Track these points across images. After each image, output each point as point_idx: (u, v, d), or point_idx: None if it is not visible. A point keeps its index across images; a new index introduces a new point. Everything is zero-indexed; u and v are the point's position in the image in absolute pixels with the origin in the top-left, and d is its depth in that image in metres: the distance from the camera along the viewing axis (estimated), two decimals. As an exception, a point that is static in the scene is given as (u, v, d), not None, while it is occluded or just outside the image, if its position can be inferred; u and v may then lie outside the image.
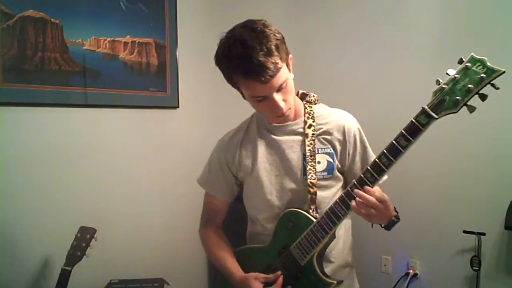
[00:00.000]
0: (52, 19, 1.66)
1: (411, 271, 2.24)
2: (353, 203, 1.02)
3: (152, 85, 2.06)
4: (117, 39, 1.91)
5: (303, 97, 1.29)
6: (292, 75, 1.15)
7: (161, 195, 2.11)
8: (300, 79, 2.29)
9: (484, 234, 1.97)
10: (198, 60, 2.27)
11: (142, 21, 2.00)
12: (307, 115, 1.23)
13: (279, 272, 1.19)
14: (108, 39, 1.87)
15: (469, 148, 2.04)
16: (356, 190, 1.02)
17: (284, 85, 1.10)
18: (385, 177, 1.03)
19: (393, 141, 0.97)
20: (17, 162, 1.59)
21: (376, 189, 1.04)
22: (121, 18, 1.92)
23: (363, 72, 2.37)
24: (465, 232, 2.00)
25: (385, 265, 2.35)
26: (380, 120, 2.05)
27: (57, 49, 1.69)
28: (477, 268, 1.96)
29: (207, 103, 2.38)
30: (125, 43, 1.94)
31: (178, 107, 2.18)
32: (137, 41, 1.98)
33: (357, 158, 1.24)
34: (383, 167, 0.99)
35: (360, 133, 1.26)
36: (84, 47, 1.78)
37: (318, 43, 2.52)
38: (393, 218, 1.12)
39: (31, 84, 1.61)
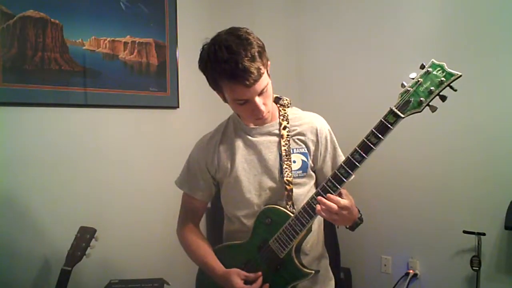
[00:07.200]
0: (52, 19, 1.67)
1: (411, 271, 2.24)
2: (317, 207, 1.09)
3: (152, 85, 2.06)
4: (117, 39, 1.91)
5: (276, 100, 1.34)
6: (270, 81, 1.19)
7: (161, 195, 2.11)
8: (298, 77, 2.30)
9: (484, 234, 1.97)
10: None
11: (142, 21, 2.00)
12: (281, 117, 1.29)
13: (259, 273, 1.23)
14: (108, 39, 1.88)
15: (469, 148, 2.04)
16: (319, 198, 1.09)
17: (265, 89, 1.16)
18: (352, 176, 1.09)
19: (364, 139, 1.04)
20: (17, 162, 1.59)
21: (343, 193, 1.11)
22: (121, 18, 1.92)
23: (361, 71, 2.37)
24: (465, 232, 2.00)
25: (385, 265, 2.35)
26: (377, 118, 2.05)
27: (57, 49, 1.69)
28: (477, 268, 1.97)
29: (207, 103, 2.36)
30: (125, 43, 1.94)
31: (178, 107, 2.18)
32: (137, 41, 1.99)
33: (328, 158, 1.31)
34: (356, 163, 1.06)
35: (331, 134, 1.33)
36: (84, 47, 1.78)
37: (316, 42, 2.52)
38: (357, 220, 1.20)
39: (31, 84, 1.62)
